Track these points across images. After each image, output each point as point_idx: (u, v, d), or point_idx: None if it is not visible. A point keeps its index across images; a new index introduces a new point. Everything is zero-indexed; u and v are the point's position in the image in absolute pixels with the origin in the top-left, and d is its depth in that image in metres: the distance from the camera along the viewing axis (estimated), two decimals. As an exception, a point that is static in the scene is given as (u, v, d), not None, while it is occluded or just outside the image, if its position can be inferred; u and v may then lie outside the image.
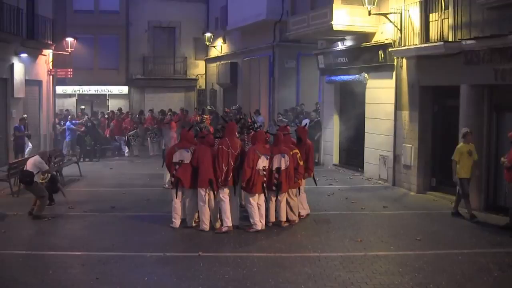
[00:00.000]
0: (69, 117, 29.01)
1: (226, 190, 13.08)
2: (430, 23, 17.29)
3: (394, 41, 18.92)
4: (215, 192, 13.02)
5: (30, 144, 24.13)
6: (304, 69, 28.54)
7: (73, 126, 27.26)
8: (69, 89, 38.80)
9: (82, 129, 27.08)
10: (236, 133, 13.74)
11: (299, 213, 14.35)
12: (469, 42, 14.98)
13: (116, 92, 40.40)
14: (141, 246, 11.94)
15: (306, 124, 19.84)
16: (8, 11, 23.13)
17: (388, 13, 18.77)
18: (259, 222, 13.09)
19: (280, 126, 15.72)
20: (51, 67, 29.69)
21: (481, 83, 15.20)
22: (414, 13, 17.73)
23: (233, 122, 14.12)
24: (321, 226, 13.79)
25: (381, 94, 20.06)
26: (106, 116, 31.45)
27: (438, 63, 16.67)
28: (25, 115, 24.96)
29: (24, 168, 15.21)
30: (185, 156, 13.27)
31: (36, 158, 15.26)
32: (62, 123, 29.16)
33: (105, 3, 39.43)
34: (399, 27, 18.52)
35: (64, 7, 37.49)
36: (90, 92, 39.94)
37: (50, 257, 11.35)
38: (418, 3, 17.57)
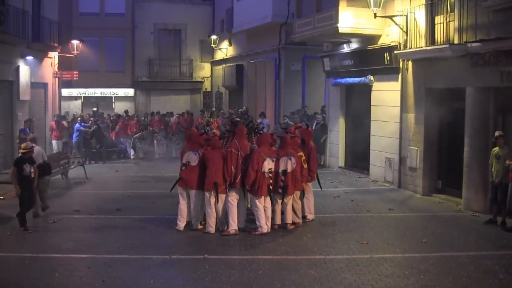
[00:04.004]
0: (78, 119, 28.95)
1: (235, 194, 13.11)
2: (436, 25, 17.27)
3: (400, 44, 18.91)
4: (218, 195, 13.03)
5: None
6: (310, 71, 28.53)
7: (82, 128, 27.25)
8: (74, 92, 38.90)
9: (91, 129, 27.12)
10: (246, 136, 13.77)
11: (305, 216, 14.36)
12: (475, 44, 14.95)
13: (121, 94, 40.51)
14: (147, 249, 11.97)
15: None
16: (14, 13, 23.21)
17: (393, 16, 18.75)
18: (265, 225, 13.10)
19: (289, 128, 15.71)
20: (56, 70, 29.78)
21: (487, 85, 15.17)
22: (420, 16, 17.71)
23: (242, 125, 14.15)
24: (326, 228, 13.78)
25: (386, 96, 20.05)
26: (111, 118, 31.49)
27: (444, 66, 16.65)
28: (33, 118, 25.05)
29: (34, 161, 15.23)
30: (192, 158, 13.29)
31: (38, 148, 15.39)
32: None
33: (110, 5, 39.55)
34: (404, 29, 18.49)
35: (70, 9, 37.68)
36: (96, 95, 40.09)
37: (56, 259, 11.37)
38: (423, 5, 17.55)
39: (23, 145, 14.09)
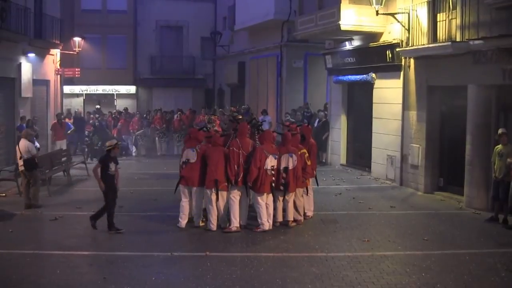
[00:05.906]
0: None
1: (236, 191, 13.12)
2: (438, 23, 17.24)
3: (402, 41, 18.89)
4: (219, 193, 13.02)
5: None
6: (311, 69, 28.47)
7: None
8: (76, 89, 39.00)
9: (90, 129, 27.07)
10: (248, 134, 13.74)
11: (305, 213, 14.35)
12: (477, 42, 14.92)
13: (123, 91, 40.53)
14: (149, 246, 11.98)
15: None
16: (16, 10, 23.21)
17: (395, 13, 18.74)
18: (266, 222, 13.10)
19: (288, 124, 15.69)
20: (58, 67, 29.77)
21: (489, 83, 15.15)
22: (422, 13, 17.68)
23: (245, 123, 14.13)
24: (328, 226, 13.78)
25: (388, 94, 20.04)
26: (112, 116, 31.46)
27: (446, 63, 16.64)
28: (35, 116, 25.01)
29: (19, 155, 15.76)
30: (190, 155, 13.30)
31: (28, 143, 15.73)
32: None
33: (112, 2, 39.60)
34: (406, 27, 18.48)
35: (72, 6, 37.75)
36: (98, 92, 40.08)
37: (58, 256, 11.37)
38: (425, 3, 17.52)
39: (108, 143, 13.74)
